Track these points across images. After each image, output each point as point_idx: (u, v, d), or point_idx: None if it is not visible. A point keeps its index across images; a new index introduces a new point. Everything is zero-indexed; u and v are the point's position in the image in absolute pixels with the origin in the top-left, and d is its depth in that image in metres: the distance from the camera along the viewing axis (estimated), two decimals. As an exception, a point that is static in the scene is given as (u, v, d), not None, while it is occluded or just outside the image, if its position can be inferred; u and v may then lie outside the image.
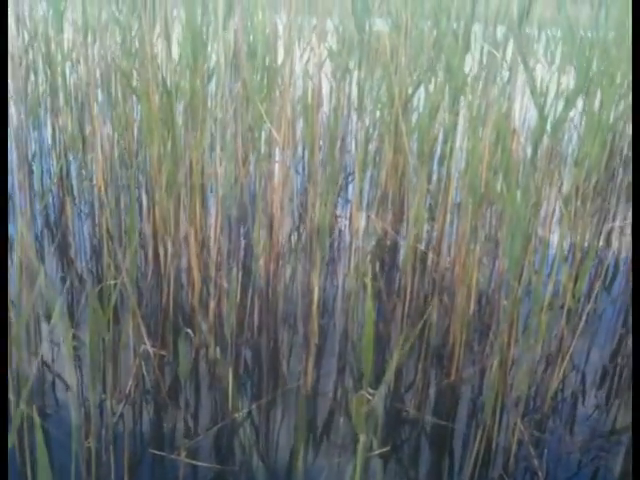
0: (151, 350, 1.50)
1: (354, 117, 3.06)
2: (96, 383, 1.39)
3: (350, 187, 2.42)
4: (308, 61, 3.25)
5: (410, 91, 2.02)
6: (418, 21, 2.03)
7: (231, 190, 1.86)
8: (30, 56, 3.75)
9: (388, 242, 2.05)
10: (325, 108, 3.17)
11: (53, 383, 1.38)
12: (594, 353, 1.59)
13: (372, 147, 2.50)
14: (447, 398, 1.41)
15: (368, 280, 1.76)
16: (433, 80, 1.99)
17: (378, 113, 2.38)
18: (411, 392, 1.42)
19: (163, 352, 1.50)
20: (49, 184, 2.31)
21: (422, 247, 2.02)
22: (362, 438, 1.26)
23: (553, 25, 4.05)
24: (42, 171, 2.41)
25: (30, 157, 2.51)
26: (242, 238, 2.01)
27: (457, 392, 1.43)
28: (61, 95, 3.07)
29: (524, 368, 1.52)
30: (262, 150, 2.23)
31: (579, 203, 2.15)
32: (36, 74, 3.50)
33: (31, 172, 2.39)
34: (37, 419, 0.90)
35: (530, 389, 1.45)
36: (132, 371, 1.43)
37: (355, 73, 3.19)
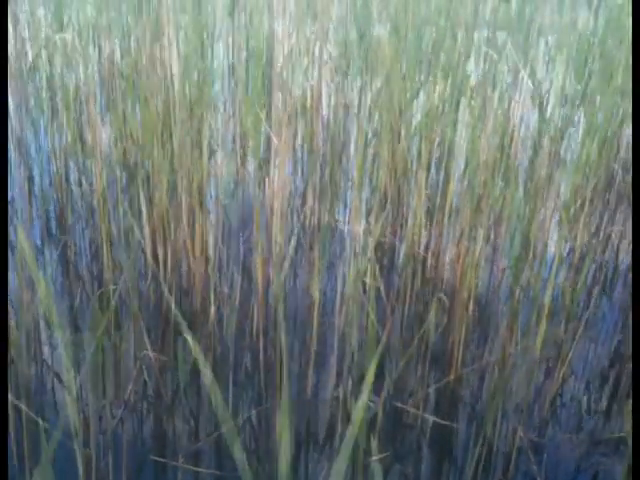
0: (152, 355, 1.50)
1: (353, 120, 3.06)
2: (96, 388, 1.39)
3: (349, 191, 2.42)
4: (307, 67, 3.25)
5: (409, 95, 2.02)
6: (418, 26, 2.03)
7: (232, 197, 1.86)
8: (29, 59, 3.76)
9: (387, 246, 2.05)
10: (324, 112, 3.17)
11: (53, 388, 1.39)
12: (593, 358, 1.59)
13: (371, 150, 2.50)
14: (446, 403, 1.42)
15: (368, 284, 1.76)
16: (432, 84, 1.99)
17: (377, 116, 2.38)
18: (411, 397, 1.43)
19: (163, 357, 1.50)
20: (49, 188, 2.31)
21: (421, 250, 2.03)
22: (362, 445, 1.26)
23: (552, 29, 4.05)
24: (41, 175, 2.41)
25: (30, 161, 2.52)
26: (241, 244, 2.02)
27: (456, 397, 1.44)
28: (60, 98, 3.07)
29: (523, 373, 1.52)
30: (261, 154, 2.24)
31: (578, 205, 2.16)
32: (35, 77, 3.50)
33: (31, 176, 2.39)
34: (42, 424, 0.90)
35: (529, 394, 1.46)
36: (132, 376, 1.43)
37: (353, 77, 3.19)
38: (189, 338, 0.73)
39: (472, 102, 1.85)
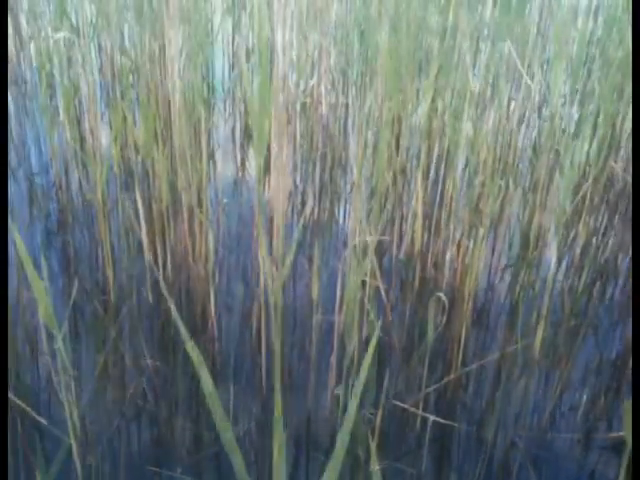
0: (150, 364, 1.50)
1: (353, 120, 3.06)
2: (96, 397, 1.39)
3: (349, 190, 2.42)
4: (307, 66, 3.25)
5: (409, 95, 2.02)
6: (418, 25, 2.03)
7: (232, 197, 1.86)
8: (29, 58, 3.75)
9: (387, 245, 2.05)
10: (324, 111, 3.17)
11: (49, 397, 1.38)
12: (594, 366, 1.59)
13: (370, 150, 2.50)
14: (445, 403, 1.42)
15: (368, 284, 1.76)
16: (432, 84, 1.99)
17: (377, 116, 2.38)
18: (410, 397, 1.43)
19: (163, 367, 1.50)
20: (48, 188, 2.31)
21: (421, 250, 2.03)
22: (362, 454, 1.26)
23: (551, 29, 4.05)
24: (41, 178, 2.41)
25: (29, 161, 2.52)
26: (241, 244, 2.02)
27: (455, 398, 1.44)
28: (59, 97, 3.07)
29: (522, 373, 1.52)
30: (262, 156, 2.22)
31: (577, 205, 2.16)
32: (34, 76, 3.50)
33: (30, 180, 2.39)
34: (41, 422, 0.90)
35: (529, 403, 1.46)
36: (131, 385, 1.43)
37: (353, 77, 3.19)
38: (189, 344, 0.73)
39: (472, 103, 1.85)
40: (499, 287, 1.86)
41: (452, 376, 1.49)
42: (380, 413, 1.36)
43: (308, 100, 3.20)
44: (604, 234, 2.18)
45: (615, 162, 2.37)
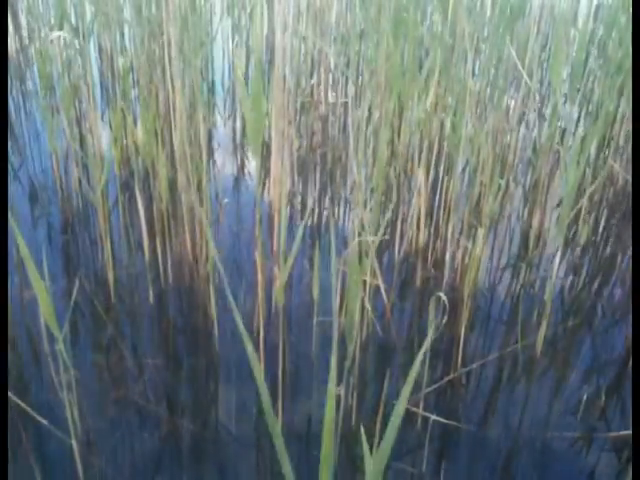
0: (151, 364, 1.50)
1: (354, 119, 3.06)
2: (97, 402, 1.40)
3: (349, 189, 2.43)
4: (307, 66, 3.25)
5: (409, 94, 2.02)
6: (418, 23, 2.03)
7: (233, 196, 1.86)
8: (29, 58, 3.75)
9: (387, 245, 2.05)
10: (324, 111, 3.17)
11: (50, 397, 1.39)
12: (596, 370, 1.59)
13: (370, 149, 2.50)
14: (446, 402, 1.42)
15: (368, 283, 1.76)
16: (432, 83, 1.99)
17: (377, 115, 2.38)
18: (410, 403, 1.43)
19: (164, 367, 1.50)
20: (48, 188, 2.31)
21: (421, 249, 2.03)
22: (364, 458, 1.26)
23: (551, 28, 4.06)
24: (42, 178, 2.41)
25: (29, 161, 2.52)
26: (241, 244, 2.02)
27: (456, 397, 1.44)
28: (59, 97, 3.07)
29: (524, 374, 1.53)
30: (261, 154, 2.23)
31: (578, 204, 2.16)
32: (34, 75, 3.50)
33: (31, 180, 2.39)
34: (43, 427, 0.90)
35: (529, 402, 1.46)
36: (134, 391, 1.43)
37: (353, 76, 3.19)
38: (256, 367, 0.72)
39: (472, 103, 1.86)
40: (499, 287, 1.86)
41: (452, 376, 1.49)
42: (380, 412, 1.36)
43: (308, 100, 3.20)
44: (604, 233, 2.18)
45: (615, 162, 2.37)
